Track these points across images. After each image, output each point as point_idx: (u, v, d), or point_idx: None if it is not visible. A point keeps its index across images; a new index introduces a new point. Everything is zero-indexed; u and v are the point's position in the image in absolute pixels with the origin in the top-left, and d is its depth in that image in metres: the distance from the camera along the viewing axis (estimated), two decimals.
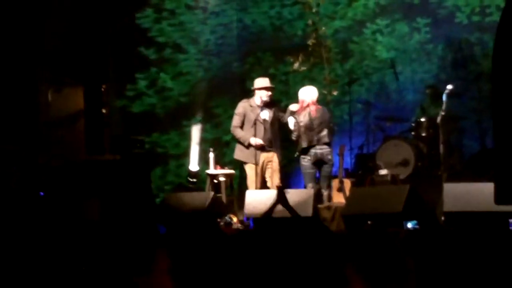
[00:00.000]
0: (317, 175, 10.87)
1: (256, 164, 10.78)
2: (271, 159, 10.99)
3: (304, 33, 14.05)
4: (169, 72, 14.35)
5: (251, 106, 11.00)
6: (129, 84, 14.14)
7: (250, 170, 10.94)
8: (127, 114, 14.02)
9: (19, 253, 7.18)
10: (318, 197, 10.46)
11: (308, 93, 10.92)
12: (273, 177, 10.90)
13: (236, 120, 11.08)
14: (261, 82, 11.14)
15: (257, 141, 10.80)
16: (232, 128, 11.13)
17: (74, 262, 7.00)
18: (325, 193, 10.70)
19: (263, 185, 10.89)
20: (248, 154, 10.91)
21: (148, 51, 14.23)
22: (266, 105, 10.94)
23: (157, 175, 13.71)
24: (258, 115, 10.87)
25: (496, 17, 13.12)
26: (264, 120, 10.90)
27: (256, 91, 11.09)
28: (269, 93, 11.05)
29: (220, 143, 13.94)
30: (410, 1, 13.73)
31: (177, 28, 14.40)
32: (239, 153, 11.10)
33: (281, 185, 10.34)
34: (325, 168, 10.71)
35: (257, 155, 10.81)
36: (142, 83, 14.22)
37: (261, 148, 10.85)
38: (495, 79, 3.49)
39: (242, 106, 11.08)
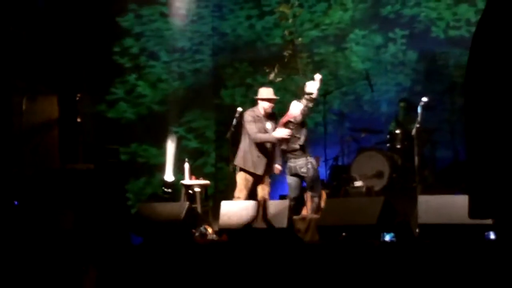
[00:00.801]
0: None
1: (262, 174, 10.68)
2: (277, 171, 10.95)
3: (282, 42, 14.09)
4: (145, 80, 14.34)
5: (257, 116, 10.80)
6: (111, 88, 14.09)
7: (245, 179, 10.77)
8: (102, 122, 13.98)
9: None
10: (299, 207, 10.45)
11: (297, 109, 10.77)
12: (264, 188, 10.79)
13: (253, 127, 10.63)
14: (266, 92, 10.86)
15: (282, 132, 10.54)
16: (253, 136, 10.59)
17: (47, 270, 6.96)
18: (311, 203, 10.63)
19: (250, 196, 10.77)
20: (255, 164, 10.69)
21: (122, 59, 14.21)
22: (268, 116, 10.80)
23: (139, 186, 13.67)
24: (264, 125, 10.72)
25: (463, 31, 13.27)
26: (268, 130, 10.75)
27: (260, 102, 10.92)
28: (272, 104, 10.87)
29: (196, 154, 13.93)
30: (386, 15, 13.81)
31: (152, 35, 14.38)
32: (240, 160, 10.76)
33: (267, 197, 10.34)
34: (306, 179, 10.61)
35: (264, 166, 10.70)
36: (121, 89, 14.19)
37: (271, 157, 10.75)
38: (467, 91, 3.50)
39: (250, 115, 10.77)
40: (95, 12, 13.75)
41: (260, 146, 10.66)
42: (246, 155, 10.72)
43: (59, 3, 12.96)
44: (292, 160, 10.59)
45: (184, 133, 14.28)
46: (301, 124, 10.60)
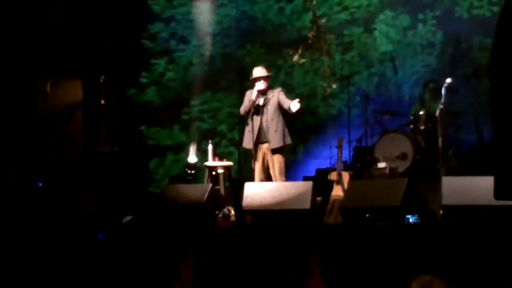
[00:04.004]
0: None
1: (254, 151, 10.71)
2: (266, 150, 10.88)
3: (308, 26, 14.01)
4: (173, 63, 14.36)
5: (250, 93, 10.92)
6: (144, 72, 14.13)
7: (253, 161, 10.88)
8: (126, 105, 14.02)
9: (17, 245, 7.17)
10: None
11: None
12: (273, 170, 10.78)
13: (243, 105, 10.99)
14: (254, 72, 11.04)
15: (258, 87, 10.79)
16: (240, 112, 11.02)
17: (71, 257, 6.99)
18: None
19: (268, 176, 10.79)
20: (247, 138, 10.83)
21: (151, 43, 14.24)
22: (263, 93, 10.86)
23: (151, 168, 13.71)
24: (253, 101, 10.76)
25: (485, 10, 13.12)
26: (258, 105, 10.80)
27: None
28: (261, 82, 10.89)
29: (216, 134, 13.94)
30: None
31: (180, 20, 14.38)
32: (244, 140, 10.97)
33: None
34: None
35: (255, 142, 10.71)
36: (158, 69, 14.22)
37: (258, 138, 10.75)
38: (493, 74, 3.46)
39: (246, 95, 11.00)
40: None
41: (251, 120, 10.74)
42: (245, 134, 10.87)
43: None
44: None
45: (207, 117, 14.28)
46: None
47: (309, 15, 13.85)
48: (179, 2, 14.42)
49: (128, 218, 8.19)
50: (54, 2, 12.35)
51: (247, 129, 10.80)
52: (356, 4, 14.03)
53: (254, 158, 10.77)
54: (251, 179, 10.78)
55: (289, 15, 14.41)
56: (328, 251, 6.12)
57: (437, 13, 13.51)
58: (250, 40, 14.56)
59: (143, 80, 14.24)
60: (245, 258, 6.49)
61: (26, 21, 11.78)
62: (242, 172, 12.79)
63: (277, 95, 10.85)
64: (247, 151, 11.21)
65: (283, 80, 13.75)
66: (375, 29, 13.93)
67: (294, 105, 10.59)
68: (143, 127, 13.94)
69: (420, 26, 13.66)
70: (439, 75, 13.02)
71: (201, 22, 14.34)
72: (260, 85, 10.82)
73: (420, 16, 13.63)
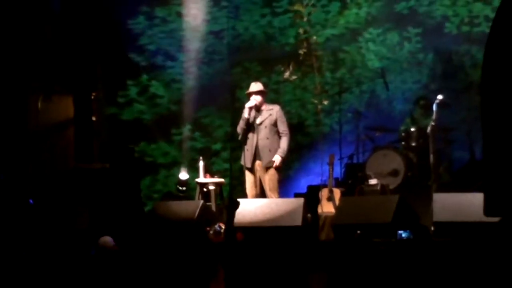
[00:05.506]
0: None
1: (248, 168, 10.69)
2: (259, 167, 10.82)
3: (296, 42, 14.03)
4: (160, 80, 14.36)
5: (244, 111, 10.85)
6: (120, 91, 14.14)
7: (247, 176, 10.85)
8: (117, 121, 14.01)
9: (9, 259, 7.15)
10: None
11: None
12: (266, 187, 10.75)
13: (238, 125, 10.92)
14: (250, 87, 11.02)
15: (249, 104, 10.72)
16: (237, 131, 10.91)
17: (63, 269, 6.97)
18: None
19: (262, 193, 10.76)
20: (245, 157, 10.73)
21: (139, 57, 14.25)
22: (257, 109, 10.81)
23: (146, 184, 13.69)
24: (246, 119, 10.72)
25: (484, 27, 13.17)
26: (253, 123, 10.76)
27: None
28: (255, 97, 10.82)
29: (209, 152, 13.93)
30: (400, 11, 13.75)
31: (167, 36, 14.40)
32: (242, 158, 10.85)
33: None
34: None
35: (252, 160, 10.68)
36: (133, 90, 14.24)
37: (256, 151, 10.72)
38: (484, 90, 3.48)
39: (244, 110, 10.87)
40: (108, 15, 13.81)
41: (246, 139, 10.71)
42: (243, 151, 10.82)
43: (74, 6, 13.00)
44: None
45: (198, 132, 14.28)
46: None
47: (300, 31, 13.87)
48: (170, 18, 14.42)
49: (105, 238, 8.17)
50: (46, 18, 12.38)
51: (245, 147, 10.77)
52: (341, 21, 14.07)
53: (250, 173, 10.75)
54: (244, 195, 10.78)
55: (274, 31, 14.44)
56: (334, 270, 6.12)
57: (427, 28, 13.58)
58: (236, 56, 14.57)
59: (131, 95, 14.24)
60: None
61: (19, 37, 11.79)
62: (235, 190, 12.79)
63: (275, 114, 10.80)
64: (240, 167, 11.17)
65: (270, 96, 13.77)
66: (361, 47, 13.99)
67: (277, 159, 10.62)
68: (142, 143, 13.99)
69: (409, 42, 13.72)
70: (428, 91, 13.09)
71: (189, 38, 14.34)
72: (251, 102, 10.77)
73: (409, 32, 13.69)
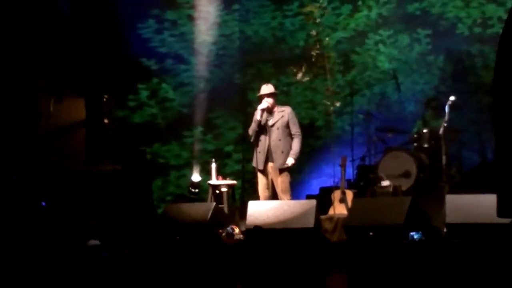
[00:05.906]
0: None
1: (260, 170, 10.69)
2: (271, 169, 10.82)
3: (306, 44, 14.01)
4: (171, 83, 14.37)
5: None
6: (131, 95, 14.17)
7: (259, 178, 10.85)
8: (128, 124, 14.04)
9: (19, 261, 7.16)
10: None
11: None
12: (278, 189, 10.75)
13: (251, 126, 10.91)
14: (261, 89, 11.02)
15: (261, 106, 10.73)
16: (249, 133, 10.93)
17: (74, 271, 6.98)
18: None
19: (274, 195, 10.75)
20: (257, 159, 10.75)
21: (149, 61, 14.26)
22: (269, 111, 10.81)
23: (158, 186, 13.69)
24: (258, 121, 10.71)
25: (497, 29, 13.13)
26: (265, 125, 10.76)
27: None
28: (267, 99, 10.83)
29: (221, 154, 13.93)
30: (411, 12, 13.74)
31: (178, 39, 14.41)
32: (254, 160, 10.89)
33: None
34: None
35: (264, 162, 10.67)
36: (144, 93, 14.26)
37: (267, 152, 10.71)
38: (496, 90, 3.45)
39: (256, 112, 10.87)
40: (118, 19, 13.85)
41: (258, 141, 10.72)
42: (255, 153, 10.79)
43: (85, 10, 13.03)
44: None
45: (210, 134, 14.29)
46: None
47: (312, 33, 13.84)
48: (180, 21, 14.43)
49: (93, 242, 8.18)
50: (58, 22, 12.41)
51: (257, 149, 10.76)
52: (354, 24, 14.06)
53: (262, 175, 10.75)
54: (256, 197, 10.79)
55: (285, 34, 14.44)
56: (352, 270, 6.10)
57: (438, 29, 13.56)
58: (247, 59, 14.57)
59: (141, 98, 14.26)
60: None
61: (31, 39, 11.82)
62: (247, 192, 12.80)
63: (287, 115, 10.80)
64: (253, 169, 11.17)
65: (280, 98, 13.76)
66: (371, 49, 13.97)
67: (290, 161, 10.62)
68: (155, 145, 14.01)
69: (419, 43, 13.70)
70: (439, 92, 13.07)
71: (200, 41, 14.34)
72: (264, 104, 10.78)
73: (419, 33, 13.67)
